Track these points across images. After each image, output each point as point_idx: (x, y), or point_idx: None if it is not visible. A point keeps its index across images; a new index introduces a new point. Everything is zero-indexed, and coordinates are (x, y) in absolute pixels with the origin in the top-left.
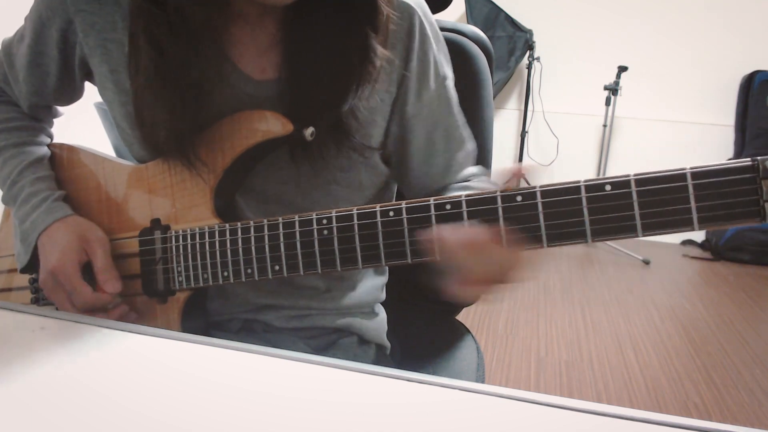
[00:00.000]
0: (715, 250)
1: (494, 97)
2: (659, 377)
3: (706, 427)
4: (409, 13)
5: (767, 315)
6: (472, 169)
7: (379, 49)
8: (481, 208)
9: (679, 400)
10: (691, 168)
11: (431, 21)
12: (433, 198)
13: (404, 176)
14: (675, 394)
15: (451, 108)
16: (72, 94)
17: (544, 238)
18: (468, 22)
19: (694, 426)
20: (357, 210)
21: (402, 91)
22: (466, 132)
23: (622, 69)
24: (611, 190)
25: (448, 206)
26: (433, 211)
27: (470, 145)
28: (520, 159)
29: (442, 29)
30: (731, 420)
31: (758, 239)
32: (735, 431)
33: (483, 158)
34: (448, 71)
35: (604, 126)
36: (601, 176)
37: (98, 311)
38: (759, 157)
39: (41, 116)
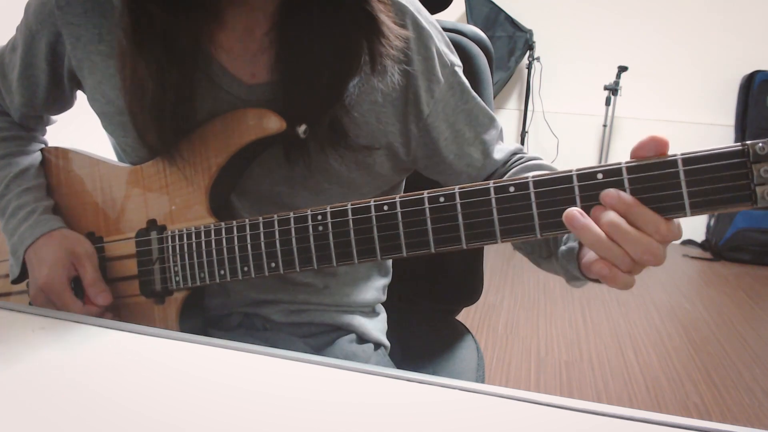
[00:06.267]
0: (715, 250)
1: (494, 97)
2: (659, 377)
3: (706, 427)
4: (401, 12)
5: (767, 315)
6: (511, 146)
7: (394, 27)
8: (474, 200)
9: (679, 400)
10: (682, 154)
11: (426, 15)
12: (426, 191)
13: (448, 177)
14: (675, 394)
15: (466, 94)
16: (63, 105)
17: (537, 228)
18: (468, 22)
19: (694, 426)
20: (351, 205)
21: (411, 91)
22: (488, 111)
23: (622, 69)
24: (603, 179)
25: (441, 199)
26: (427, 204)
27: (496, 122)
28: None
29: (442, 29)
30: (731, 420)
31: (758, 239)
32: (735, 431)
33: None
34: (454, 59)
35: (604, 126)
36: None
37: None
38: (749, 141)
39: (32, 125)
